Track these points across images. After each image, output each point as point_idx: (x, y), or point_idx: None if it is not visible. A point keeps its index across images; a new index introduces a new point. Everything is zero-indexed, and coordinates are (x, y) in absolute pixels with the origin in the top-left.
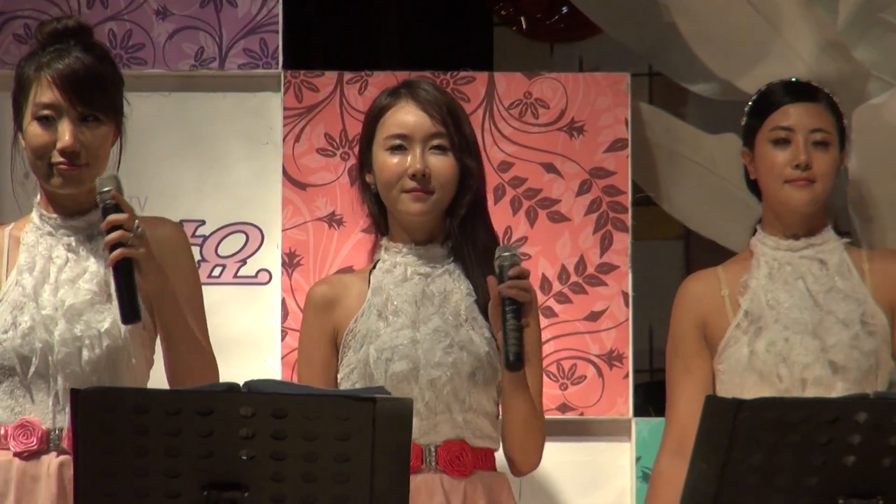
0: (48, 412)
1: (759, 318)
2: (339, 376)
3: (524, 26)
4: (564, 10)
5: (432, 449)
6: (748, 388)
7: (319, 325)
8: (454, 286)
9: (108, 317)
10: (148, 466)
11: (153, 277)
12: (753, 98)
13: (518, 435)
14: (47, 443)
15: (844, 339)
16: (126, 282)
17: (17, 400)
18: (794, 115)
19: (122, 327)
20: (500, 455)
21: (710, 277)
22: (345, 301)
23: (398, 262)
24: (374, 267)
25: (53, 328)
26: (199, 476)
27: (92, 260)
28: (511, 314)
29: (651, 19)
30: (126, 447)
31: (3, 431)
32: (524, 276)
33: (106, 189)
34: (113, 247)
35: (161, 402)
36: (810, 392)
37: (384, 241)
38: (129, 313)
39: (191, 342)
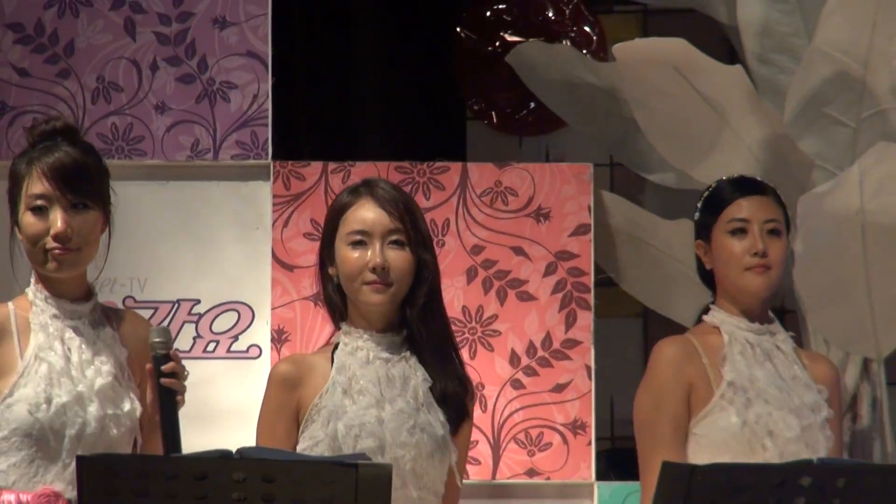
0: (71, 483)
1: (744, 390)
2: (299, 448)
3: (495, 120)
4: (532, 105)
5: None
6: (733, 456)
7: (284, 400)
8: (411, 372)
9: (128, 400)
10: None
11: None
12: (705, 196)
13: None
14: None
15: (816, 423)
16: (172, 416)
17: (37, 469)
18: (747, 208)
19: (138, 409)
20: None
21: (686, 344)
22: (309, 379)
23: (360, 346)
24: (335, 348)
25: (88, 406)
26: None
27: (101, 344)
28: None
29: (612, 114)
30: None
31: (26, 499)
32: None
33: (159, 340)
34: (166, 388)
35: (159, 467)
36: None
37: (344, 326)
38: (174, 446)
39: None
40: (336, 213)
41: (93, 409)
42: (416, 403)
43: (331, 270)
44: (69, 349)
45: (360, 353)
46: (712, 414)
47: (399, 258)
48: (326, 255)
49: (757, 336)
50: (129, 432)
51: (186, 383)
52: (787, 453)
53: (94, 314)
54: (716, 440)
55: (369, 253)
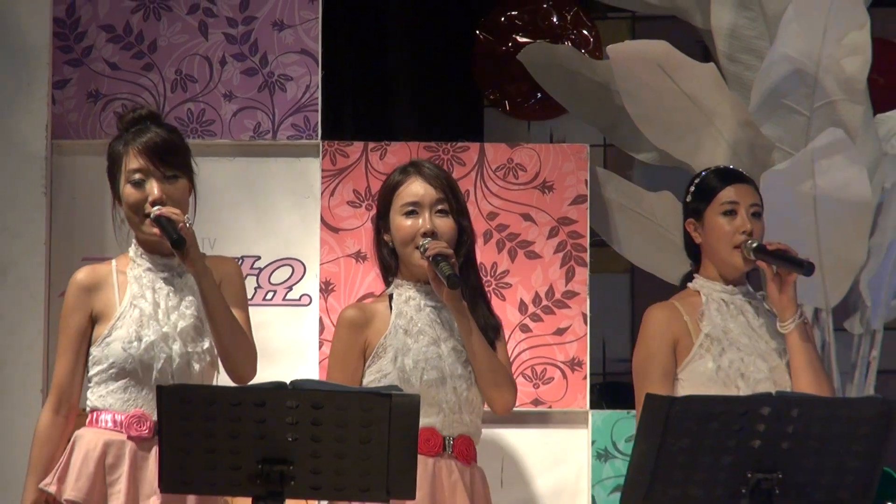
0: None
1: (718, 340)
2: (366, 380)
3: (508, 108)
4: (539, 95)
5: (451, 440)
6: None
7: (353, 340)
8: (452, 317)
9: (208, 338)
10: (215, 445)
11: (199, 262)
12: (696, 183)
13: (485, 374)
14: (154, 432)
15: (781, 365)
16: (165, 222)
17: (130, 395)
18: (737, 194)
19: (215, 347)
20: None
21: (671, 308)
22: (373, 322)
23: (412, 296)
24: (391, 299)
25: (172, 344)
26: (255, 453)
27: (186, 291)
28: (436, 259)
29: (606, 103)
30: (199, 430)
31: (120, 419)
32: (442, 250)
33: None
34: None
35: (225, 395)
36: None
37: (396, 281)
38: (178, 239)
39: (232, 325)
40: (390, 190)
41: (176, 346)
42: (461, 343)
43: (386, 237)
44: (158, 297)
45: (412, 301)
46: (693, 362)
47: (445, 224)
48: (382, 225)
49: (730, 295)
50: (209, 366)
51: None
52: (758, 390)
53: (182, 266)
54: (696, 383)
55: (420, 220)
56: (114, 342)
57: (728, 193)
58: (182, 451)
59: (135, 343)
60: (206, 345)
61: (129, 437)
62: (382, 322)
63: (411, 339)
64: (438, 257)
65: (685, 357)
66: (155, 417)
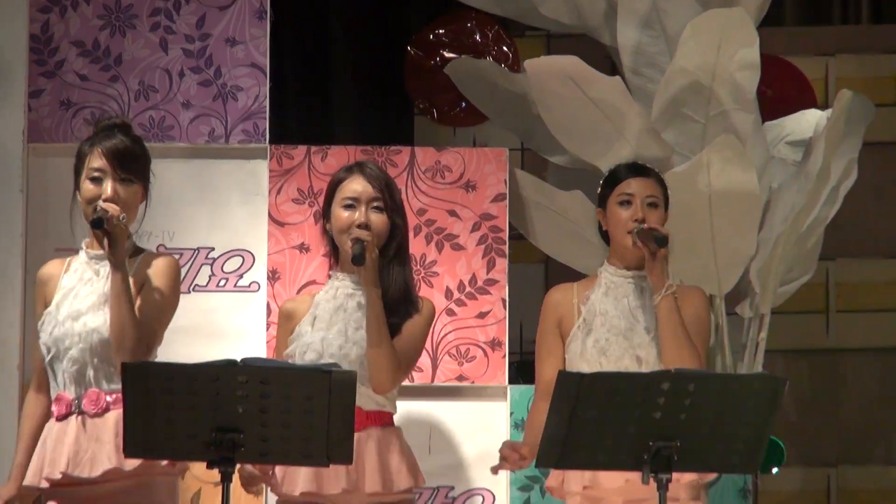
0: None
1: (591, 322)
2: None
3: (435, 116)
4: (463, 104)
5: None
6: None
7: (283, 329)
8: (363, 303)
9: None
10: (173, 416)
11: (116, 255)
12: (605, 175)
13: (368, 350)
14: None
15: (646, 340)
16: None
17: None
18: (634, 186)
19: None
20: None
21: (567, 290)
22: (299, 312)
23: (338, 286)
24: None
25: (76, 322)
26: (210, 422)
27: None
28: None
29: (523, 112)
30: (158, 403)
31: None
32: (361, 236)
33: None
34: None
35: (183, 371)
36: None
37: (332, 271)
38: (96, 220)
39: (128, 312)
40: (334, 185)
41: (77, 325)
42: (358, 325)
43: (327, 227)
44: (85, 284)
45: (333, 290)
46: (571, 342)
47: (378, 219)
48: (325, 217)
49: (622, 279)
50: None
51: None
52: (621, 367)
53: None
54: (572, 360)
55: (357, 214)
56: (43, 327)
57: (626, 185)
58: (143, 421)
59: (51, 326)
60: (100, 322)
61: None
62: (306, 310)
63: (310, 326)
64: (355, 241)
65: (567, 337)
66: (70, 395)
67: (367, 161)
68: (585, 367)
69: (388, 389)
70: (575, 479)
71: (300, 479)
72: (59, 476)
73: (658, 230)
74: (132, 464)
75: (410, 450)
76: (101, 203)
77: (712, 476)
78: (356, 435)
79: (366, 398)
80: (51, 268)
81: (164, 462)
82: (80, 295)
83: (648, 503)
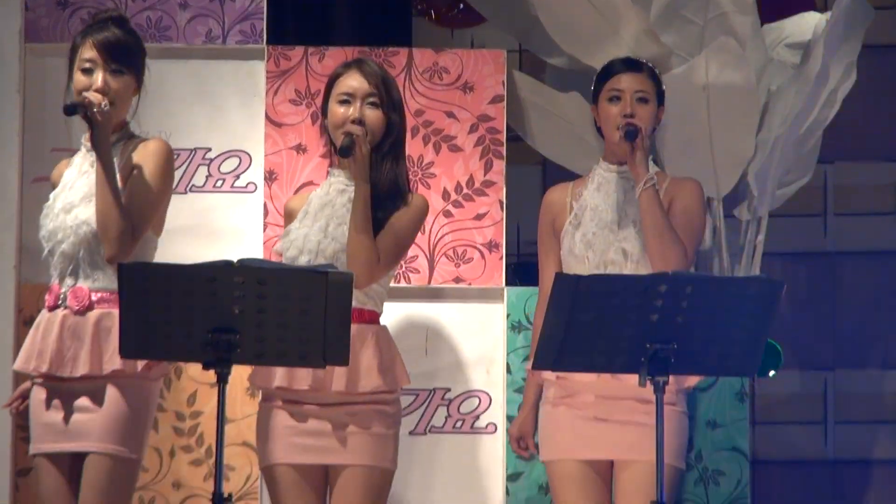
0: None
1: (581, 217)
2: None
3: (434, 16)
4: (461, 6)
5: None
6: (571, 267)
7: (286, 225)
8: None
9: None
10: (170, 317)
11: (101, 144)
12: (598, 71)
13: (349, 242)
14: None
15: (632, 233)
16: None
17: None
18: (624, 81)
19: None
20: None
21: (563, 189)
22: (295, 210)
23: (333, 182)
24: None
25: (68, 214)
26: (206, 323)
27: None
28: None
29: (521, 12)
30: (155, 304)
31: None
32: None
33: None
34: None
35: (179, 272)
36: (609, 271)
37: (331, 168)
38: (69, 107)
39: (104, 204)
40: (331, 80)
41: (69, 217)
42: (341, 220)
43: (325, 123)
44: (83, 174)
45: (327, 186)
46: (564, 238)
47: (373, 115)
48: (323, 113)
49: (613, 174)
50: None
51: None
52: (607, 260)
53: (117, 149)
54: (564, 255)
55: (351, 109)
56: (42, 221)
57: (616, 81)
58: (139, 322)
59: (48, 219)
60: (89, 213)
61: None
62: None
63: (298, 222)
64: (345, 135)
65: (560, 233)
66: (62, 288)
67: (367, 58)
68: (573, 262)
69: (365, 284)
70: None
71: (276, 372)
72: (44, 370)
73: (631, 123)
74: (109, 367)
75: (392, 351)
76: (87, 93)
77: (693, 381)
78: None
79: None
80: (58, 168)
81: (140, 367)
82: (75, 187)
83: (620, 402)
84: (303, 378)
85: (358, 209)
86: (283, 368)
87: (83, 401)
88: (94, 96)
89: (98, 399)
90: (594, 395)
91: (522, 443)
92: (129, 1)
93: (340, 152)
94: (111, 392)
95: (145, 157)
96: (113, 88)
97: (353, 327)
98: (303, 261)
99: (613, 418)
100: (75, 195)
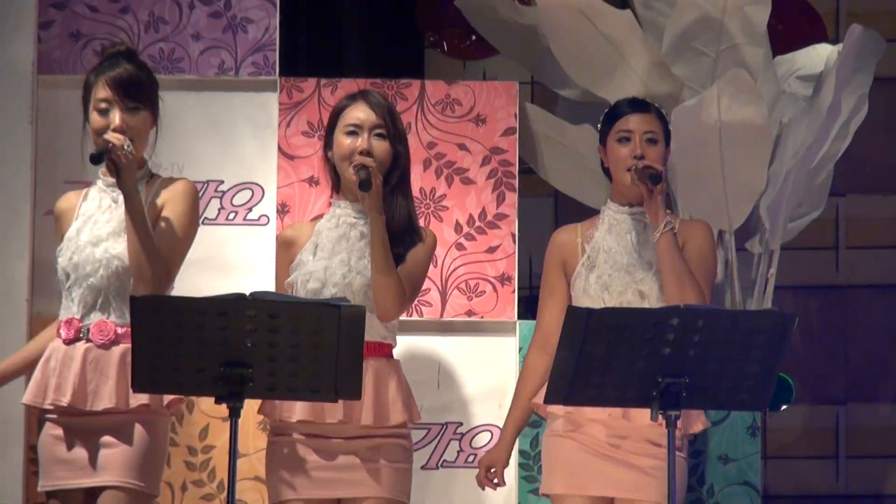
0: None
1: (595, 259)
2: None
3: (446, 48)
4: (473, 37)
5: None
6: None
7: (281, 257)
8: (365, 231)
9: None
10: (182, 351)
11: (127, 184)
12: (605, 112)
13: (375, 276)
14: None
15: (649, 275)
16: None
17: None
18: (632, 122)
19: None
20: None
21: (571, 230)
22: (300, 239)
23: (340, 213)
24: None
25: (96, 248)
26: (218, 357)
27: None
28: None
29: (533, 44)
30: (167, 337)
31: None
32: (365, 162)
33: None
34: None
35: (191, 305)
36: None
37: (333, 199)
38: (95, 156)
39: (144, 240)
40: (337, 112)
41: (98, 250)
42: (361, 254)
43: (329, 154)
44: (102, 212)
45: (335, 218)
46: (577, 279)
47: (380, 146)
48: (327, 143)
49: (625, 215)
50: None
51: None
52: (624, 302)
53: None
54: (577, 297)
55: (359, 140)
56: (62, 253)
57: (624, 122)
58: (152, 355)
59: (71, 251)
60: (120, 248)
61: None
62: (307, 238)
63: (311, 255)
64: (360, 167)
65: (572, 275)
66: (84, 321)
67: (371, 89)
68: (588, 303)
69: (394, 317)
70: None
71: (297, 405)
72: (65, 404)
73: (653, 168)
74: (135, 402)
75: (408, 384)
76: (107, 134)
77: (699, 428)
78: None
79: (368, 329)
80: (67, 200)
81: (165, 403)
82: (100, 221)
83: (627, 440)
84: (334, 411)
85: (379, 243)
86: (304, 402)
87: (104, 436)
88: (115, 138)
89: (120, 434)
90: (603, 431)
91: (492, 474)
92: (143, 33)
93: (361, 186)
94: (135, 427)
95: (174, 197)
96: (131, 126)
97: (378, 361)
98: (328, 293)
99: (620, 457)
100: (101, 229)
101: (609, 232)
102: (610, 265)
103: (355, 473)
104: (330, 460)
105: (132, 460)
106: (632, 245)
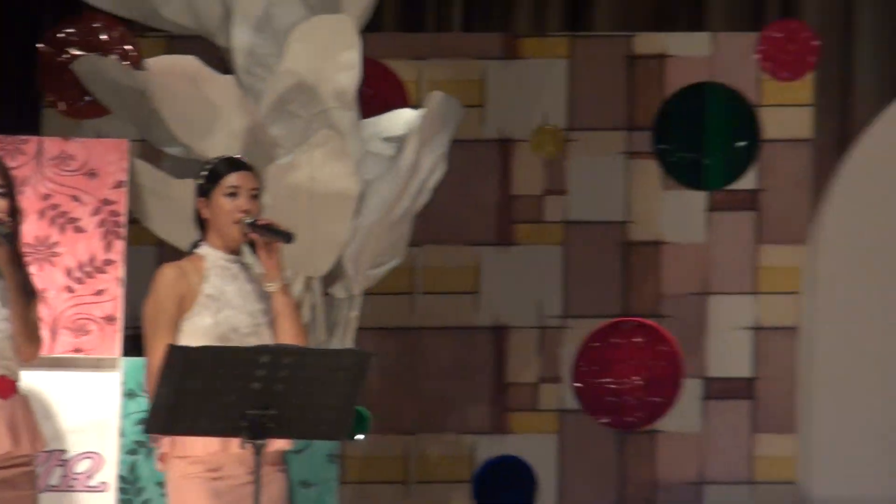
0: None
1: (217, 299)
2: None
3: (63, 108)
4: (88, 98)
5: None
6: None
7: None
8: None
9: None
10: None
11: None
12: (209, 168)
13: (20, 327)
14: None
15: (264, 323)
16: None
17: None
18: (239, 179)
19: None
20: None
21: (180, 268)
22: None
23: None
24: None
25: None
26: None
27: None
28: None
29: (142, 106)
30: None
31: None
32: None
33: None
34: None
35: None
36: None
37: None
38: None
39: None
40: None
41: None
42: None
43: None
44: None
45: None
46: (193, 317)
47: (2, 205)
48: None
49: (229, 262)
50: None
51: None
52: (247, 343)
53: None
54: (195, 335)
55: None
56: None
57: (232, 179)
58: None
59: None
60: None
61: None
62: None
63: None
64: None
65: (186, 312)
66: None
67: None
68: (213, 342)
69: (37, 357)
70: (201, 442)
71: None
72: None
73: (279, 226)
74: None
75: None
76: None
77: (284, 447)
78: (5, 402)
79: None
80: None
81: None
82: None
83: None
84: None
85: (17, 286)
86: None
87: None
88: None
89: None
90: (244, 470)
91: None
92: None
93: (6, 241)
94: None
95: None
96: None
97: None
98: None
99: (239, 480)
100: None
101: (222, 277)
102: (231, 307)
103: None
104: None
105: None
106: (244, 292)
